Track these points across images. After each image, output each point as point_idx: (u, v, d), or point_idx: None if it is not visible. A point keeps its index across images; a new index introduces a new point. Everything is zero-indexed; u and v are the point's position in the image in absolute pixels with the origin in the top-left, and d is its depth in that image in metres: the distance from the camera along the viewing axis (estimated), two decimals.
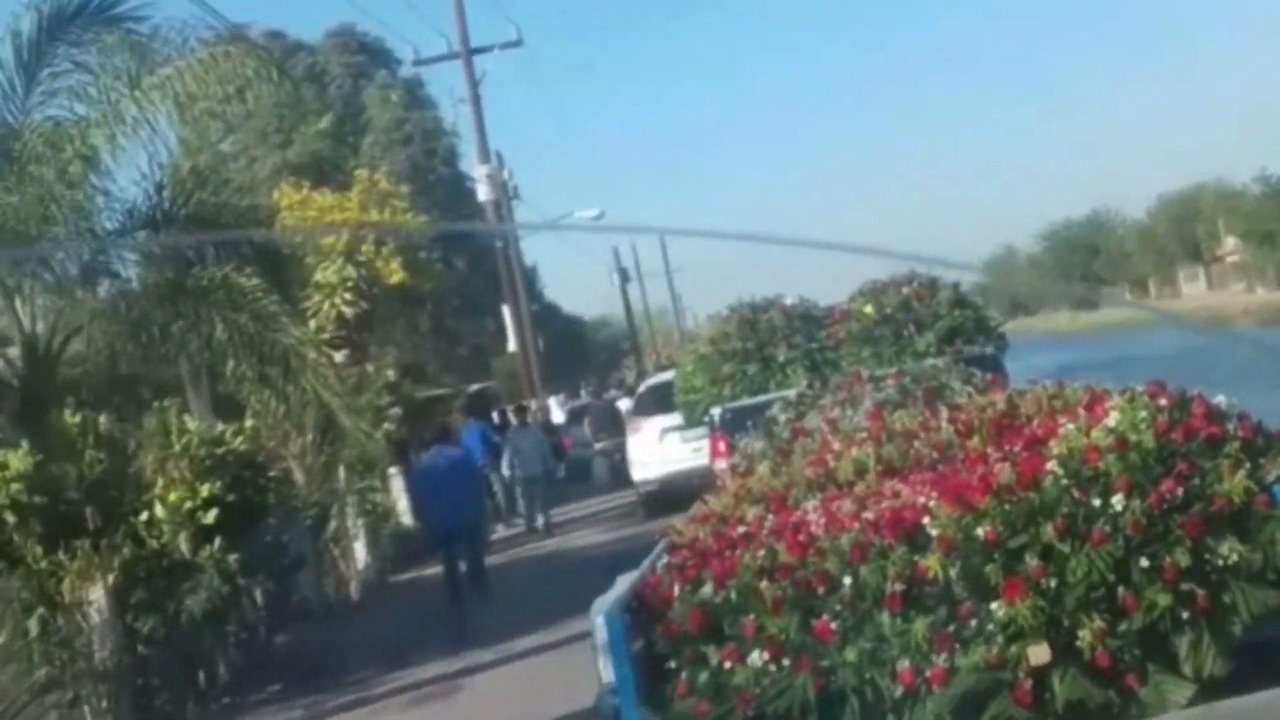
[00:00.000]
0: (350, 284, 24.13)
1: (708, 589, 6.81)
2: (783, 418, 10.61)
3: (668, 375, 22.55)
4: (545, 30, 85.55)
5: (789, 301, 15.97)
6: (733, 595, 6.74)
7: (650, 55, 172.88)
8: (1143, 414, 6.86)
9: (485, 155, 37.57)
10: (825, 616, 6.51)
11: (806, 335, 15.39)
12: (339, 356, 21.07)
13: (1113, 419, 6.88)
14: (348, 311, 24.11)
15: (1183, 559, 6.37)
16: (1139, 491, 6.49)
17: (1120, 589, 6.39)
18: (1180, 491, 6.50)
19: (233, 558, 13.99)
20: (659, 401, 20.35)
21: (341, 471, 20.42)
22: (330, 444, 18.49)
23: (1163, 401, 6.97)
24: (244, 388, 14.59)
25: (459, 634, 15.47)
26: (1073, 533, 6.44)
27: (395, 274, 24.95)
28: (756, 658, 6.51)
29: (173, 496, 13.98)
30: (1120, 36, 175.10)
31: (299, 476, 19.07)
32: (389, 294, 25.37)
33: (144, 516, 13.91)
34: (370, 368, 23.84)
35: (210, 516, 14.02)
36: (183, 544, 13.91)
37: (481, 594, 17.56)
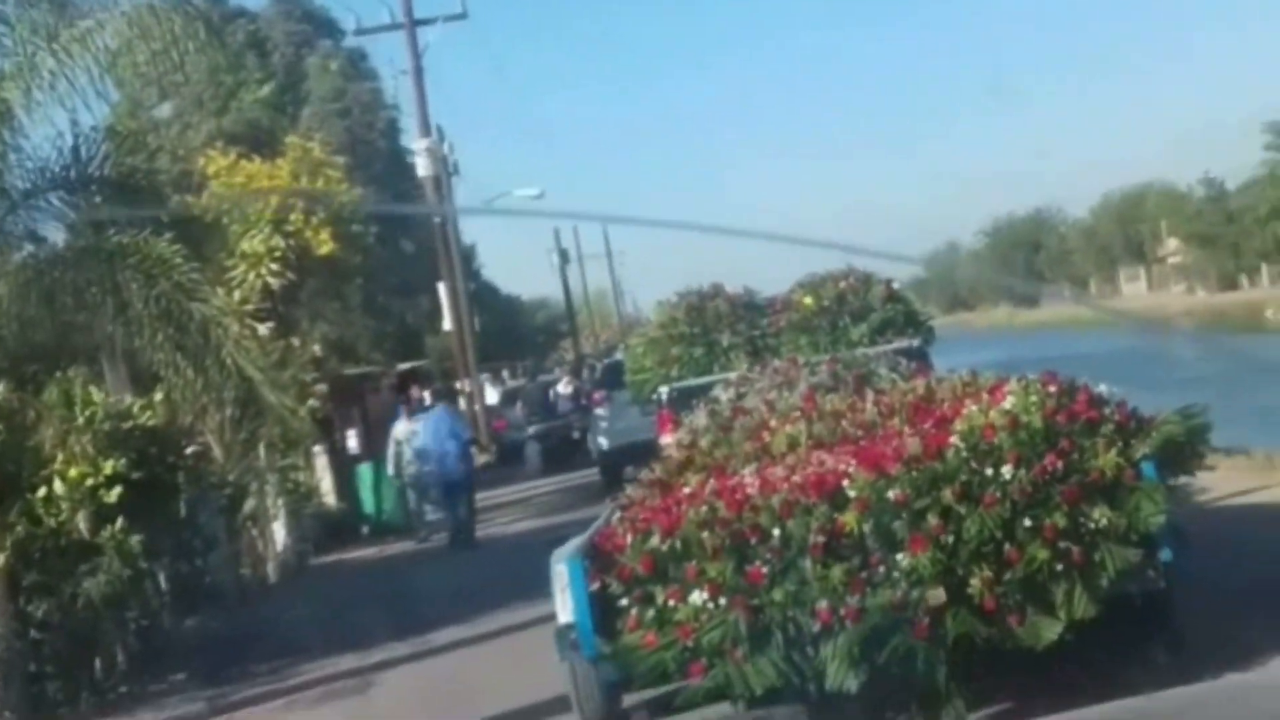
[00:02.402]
0: (278, 254, 23.30)
1: (656, 539, 8.02)
2: (724, 397, 11.64)
3: None
4: (490, 3, 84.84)
5: (733, 290, 16.37)
6: (677, 544, 7.96)
7: (596, 34, 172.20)
8: (1034, 398, 8.22)
9: (426, 129, 36.91)
10: (757, 563, 7.78)
11: (749, 323, 15.82)
12: (263, 329, 20.43)
13: (1009, 402, 8.26)
14: (274, 283, 23.29)
15: (1061, 521, 7.75)
16: (1026, 463, 7.88)
17: (1007, 545, 7.71)
18: (1061, 464, 7.92)
19: (135, 539, 13.36)
20: (623, 377, 20.92)
21: (262, 449, 19.72)
22: (251, 420, 17.83)
23: (1052, 388, 8.36)
24: (160, 359, 13.93)
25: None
26: (969, 496, 7.79)
27: (325, 245, 24.13)
28: (697, 597, 7.79)
29: (73, 472, 13.34)
30: (1071, 37, 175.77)
31: (218, 453, 18.36)
32: (318, 266, 24.53)
33: (41, 493, 13.31)
34: (296, 342, 23.08)
35: (113, 494, 13.43)
36: (82, 523, 13.29)
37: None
